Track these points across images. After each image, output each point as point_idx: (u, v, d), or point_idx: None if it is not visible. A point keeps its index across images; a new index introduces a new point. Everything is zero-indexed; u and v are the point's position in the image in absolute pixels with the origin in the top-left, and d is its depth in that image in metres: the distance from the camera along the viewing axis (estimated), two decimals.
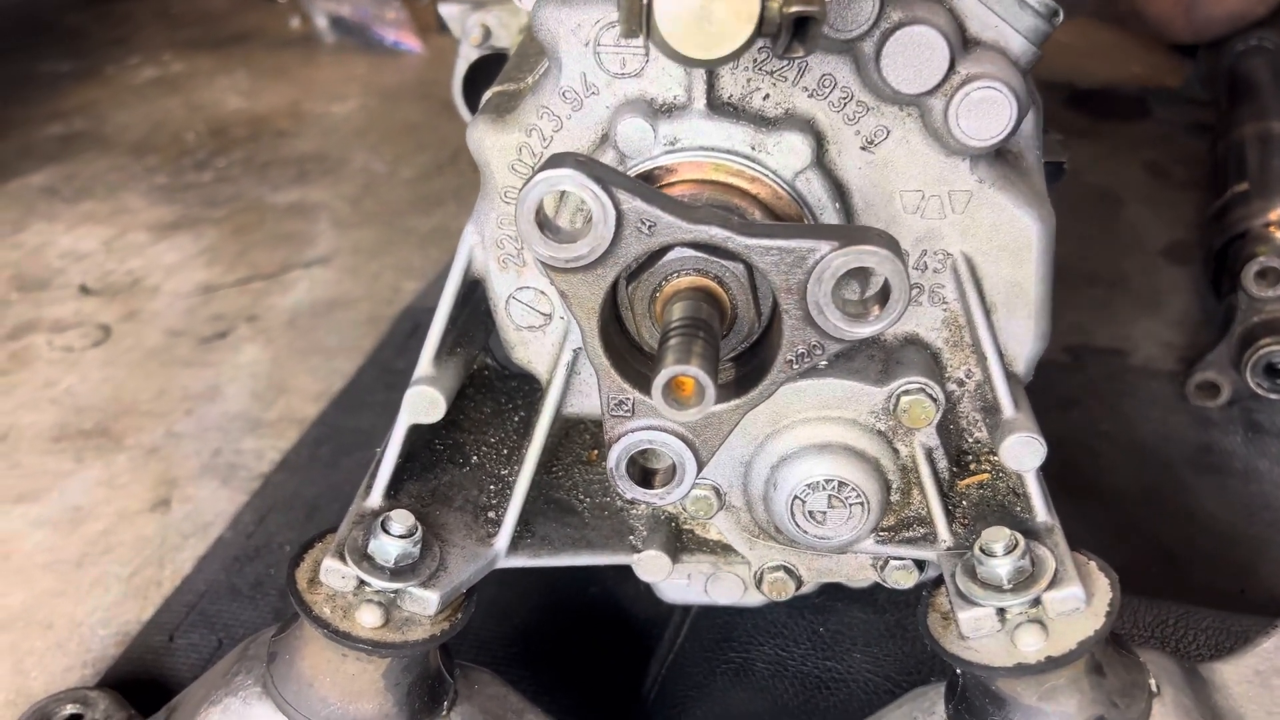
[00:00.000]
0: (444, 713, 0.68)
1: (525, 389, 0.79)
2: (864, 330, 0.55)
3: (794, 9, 0.47)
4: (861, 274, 0.55)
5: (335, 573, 0.64)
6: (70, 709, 0.84)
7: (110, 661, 0.95)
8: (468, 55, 1.17)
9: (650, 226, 0.55)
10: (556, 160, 0.53)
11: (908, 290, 0.54)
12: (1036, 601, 0.61)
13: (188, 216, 1.79)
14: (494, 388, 0.79)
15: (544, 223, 0.54)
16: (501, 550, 0.69)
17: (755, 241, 0.55)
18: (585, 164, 0.54)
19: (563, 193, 0.53)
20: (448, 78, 1.25)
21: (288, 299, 1.53)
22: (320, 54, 2.47)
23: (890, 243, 0.54)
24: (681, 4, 0.47)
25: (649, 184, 0.62)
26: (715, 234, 0.55)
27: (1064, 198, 1.84)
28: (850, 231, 0.56)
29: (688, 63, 0.49)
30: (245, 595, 0.98)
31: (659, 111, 0.63)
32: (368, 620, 0.63)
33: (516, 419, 0.78)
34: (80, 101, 2.22)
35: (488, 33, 1.15)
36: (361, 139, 2.07)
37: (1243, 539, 1.08)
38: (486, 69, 1.18)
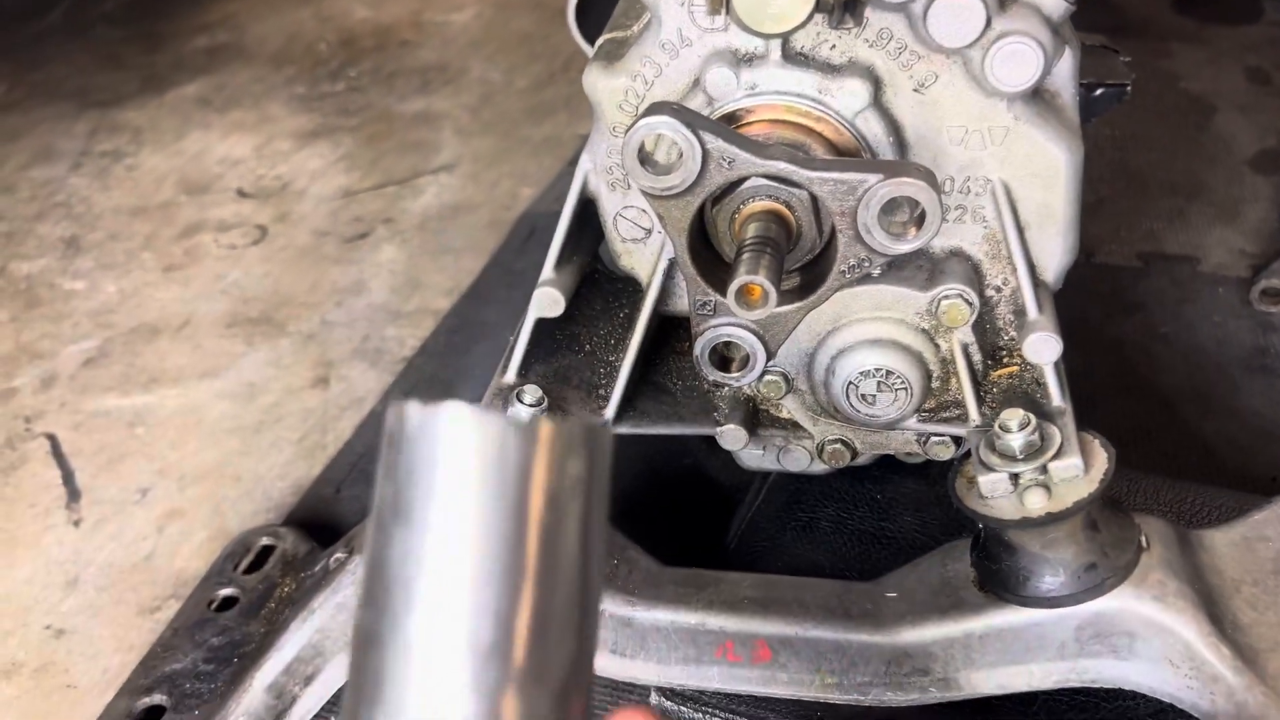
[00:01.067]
0: None
1: (628, 289, 0.93)
2: (903, 247, 0.69)
3: None
4: (907, 200, 0.68)
5: None
6: (265, 540, 1.05)
7: (289, 508, 1.15)
8: None
9: (730, 162, 0.68)
10: (655, 109, 0.67)
11: (940, 215, 0.66)
12: (1044, 469, 0.74)
13: (325, 125, 1.97)
14: (602, 288, 0.94)
15: (645, 159, 0.68)
16: (610, 419, 0.85)
17: (815, 174, 0.68)
18: (678, 112, 0.67)
19: (659, 134, 0.67)
20: None
21: (418, 203, 1.70)
22: None
23: (927, 175, 0.67)
24: None
25: (731, 124, 0.75)
26: (783, 168, 0.69)
27: (1155, 106, 1.87)
28: (894, 166, 0.68)
29: (759, 35, 0.62)
30: None
31: (741, 61, 0.75)
32: None
33: (621, 315, 0.92)
34: (220, 14, 2.40)
35: None
36: (478, 49, 2.20)
37: None
38: None
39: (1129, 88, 1.06)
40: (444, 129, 1.92)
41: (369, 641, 0.31)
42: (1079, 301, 0.84)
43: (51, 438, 1.28)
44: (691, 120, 0.67)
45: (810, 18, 0.61)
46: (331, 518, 1.12)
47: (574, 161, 1.80)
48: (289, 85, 2.13)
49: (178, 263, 1.60)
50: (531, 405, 0.81)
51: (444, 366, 1.31)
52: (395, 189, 1.74)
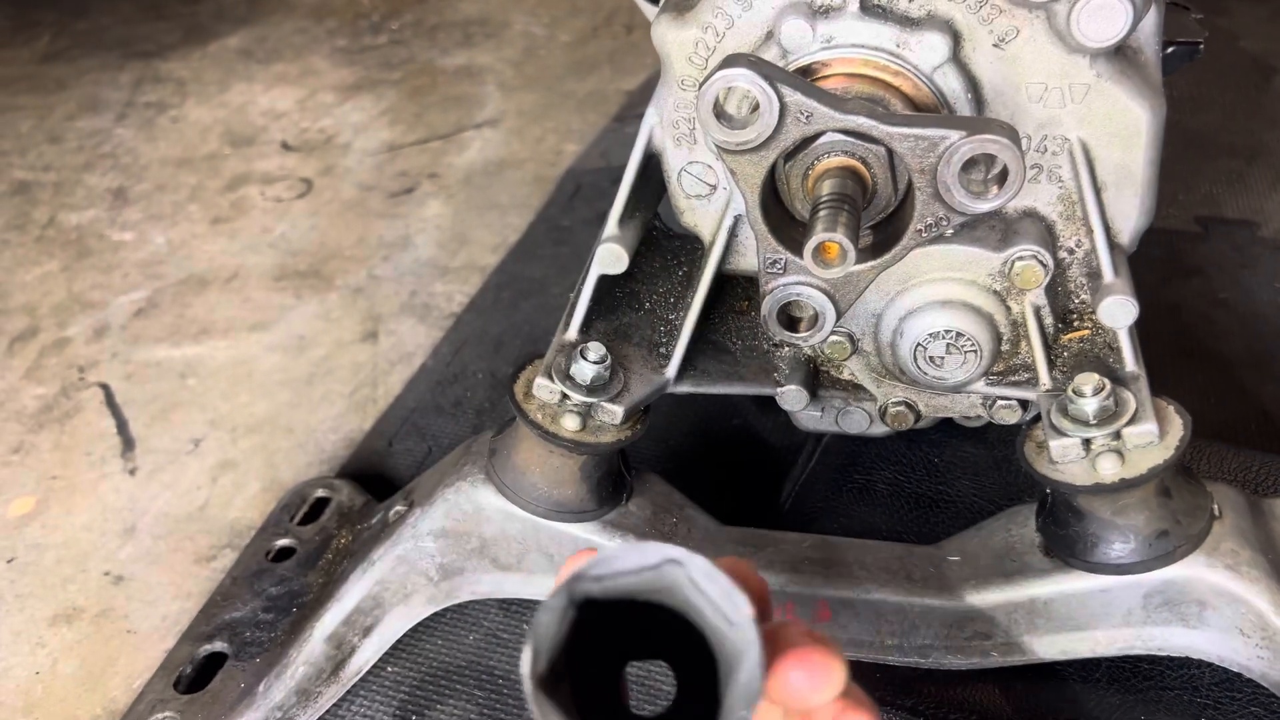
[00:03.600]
0: (623, 502, 0.85)
1: (688, 248, 0.92)
2: (983, 206, 0.67)
3: None
4: (986, 158, 0.66)
5: (545, 388, 0.81)
6: (321, 492, 1.05)
7: (342, 461, 1.16)
8: None
9: (808, 116, 0.67)
10: (732, 60, 0.66)
11: (1023, 173, 0.65)
12: (1117, 435, 0.73)
13: (368, 79, 1.96)
14: (662, 246, 0.93)
15: (720, 112, 0.67)
16: (671, 378, 0.85)
17: (895, 129, 0.67)
18: (755, 64, 0.66)
19: (734, 86, 0.66)
20: None
21: (463, 158, 1.69)
22: None
23: (1010, 133, 0.65)
24: None
25: (806, 77, 0.74)
26: (861, 122, 0.67)
27: (1214, 66, 1.82)
28: (976, 122, 0.67)
29: None
30: (448, 412, 1.17)
31: (817, 13, 0.73)
32: (569, 425, 0.80)
33: (681, 273, 0.91)
34: None
35: None
36: (520, 2, 2.18)
37: None
38: None
39: (1202, 46, 1.02)
40: (487, 83, 1.90)
41: None
42: (1135, 266, 0.82)
43: (105, 387, 1.29)
44: (769, 72, 0.65)
45: None
46: (384, 471, 1.13)
47: (618, 117, 1.80)
48: (331, 38, 2.11)
49: (225, 215, 1.60)
50: (595, 363, 0.81)
51: (492, 322, 1.30)
52: (439, 144, 1.73)
